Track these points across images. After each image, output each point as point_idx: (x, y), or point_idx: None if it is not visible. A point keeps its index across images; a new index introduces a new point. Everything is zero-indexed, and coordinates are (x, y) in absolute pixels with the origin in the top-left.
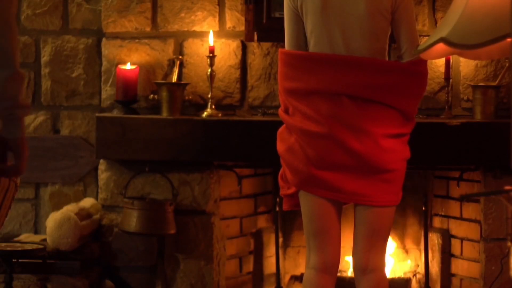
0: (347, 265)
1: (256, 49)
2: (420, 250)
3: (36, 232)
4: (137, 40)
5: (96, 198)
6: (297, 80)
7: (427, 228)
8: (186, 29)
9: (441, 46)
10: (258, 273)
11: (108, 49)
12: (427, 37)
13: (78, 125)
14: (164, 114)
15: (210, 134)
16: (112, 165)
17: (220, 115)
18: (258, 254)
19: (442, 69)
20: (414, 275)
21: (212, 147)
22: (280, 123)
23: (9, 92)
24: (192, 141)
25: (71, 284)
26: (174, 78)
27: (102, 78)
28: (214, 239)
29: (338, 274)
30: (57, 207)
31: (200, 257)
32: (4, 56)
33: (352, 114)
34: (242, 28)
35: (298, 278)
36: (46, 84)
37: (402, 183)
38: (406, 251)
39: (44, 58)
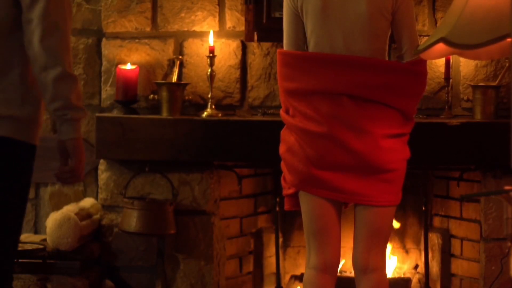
0: (348, 265)
1: (256, 49)
2: (420, 250)
3: (36, 232)
4: (137, 40)
5: (96, 198)
6: (296, 81)
7: (427, 228)
8: (186, 29)
9: (441, 46)
10: (258, 273)
11: (108, 49)
12: (427, 37)
13: None
14: (164, 114)
15: (210, 134)
16: (112, 165)
17: (220, 115)
18: (258, 254)
19: (442, 69)
20: (416, 273)
21: (212, 147)
22: (280, 123)
23: (60, 92)
24: (192, 141)
25: (71, 284)
26: (174, 78)
27: (102, 78)
28: (214, 239)
29: (338, 274)
30: (57, 207)
31: (200, 257)
32: (53, 56)
33: (352, 114)
34: (242, 28)
35: (298, 278)
36: None
37: (402, 183)
38: (406, 251)
39: None
